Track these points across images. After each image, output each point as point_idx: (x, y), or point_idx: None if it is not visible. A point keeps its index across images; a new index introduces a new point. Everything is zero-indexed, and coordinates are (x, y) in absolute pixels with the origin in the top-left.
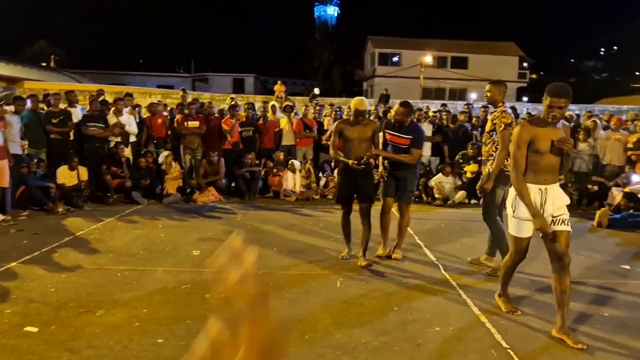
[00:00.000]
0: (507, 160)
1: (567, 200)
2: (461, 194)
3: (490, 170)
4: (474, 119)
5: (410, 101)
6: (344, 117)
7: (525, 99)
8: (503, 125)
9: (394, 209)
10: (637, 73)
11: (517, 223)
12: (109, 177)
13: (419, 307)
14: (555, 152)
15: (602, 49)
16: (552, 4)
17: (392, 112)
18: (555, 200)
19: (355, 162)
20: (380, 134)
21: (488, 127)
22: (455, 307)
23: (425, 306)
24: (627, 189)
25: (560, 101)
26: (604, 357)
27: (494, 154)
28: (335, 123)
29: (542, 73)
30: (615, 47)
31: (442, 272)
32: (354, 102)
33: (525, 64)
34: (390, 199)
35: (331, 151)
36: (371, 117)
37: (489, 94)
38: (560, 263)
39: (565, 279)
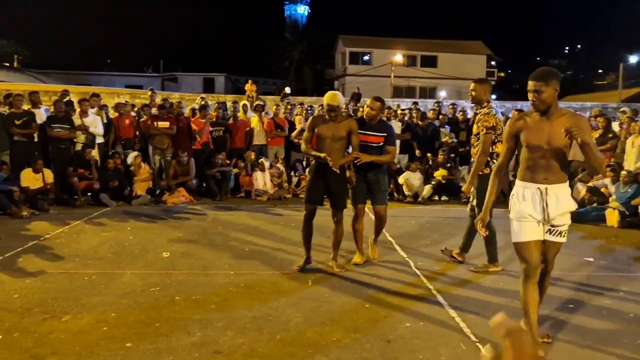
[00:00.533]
0: (494, 162)
1: (572, 206)
2: (428, 188)
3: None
4: (441, 116)
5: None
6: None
7: (493, 96)
8: (485, 129)
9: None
10: (600, 71)
11: (515, 225)
12: (75, 179)
13: (389, 303)
14: (553, 149)
15: (567, 48)
16: (518, 3)
17: (366, 108)
18: (559, 203)
19: (330, 159)
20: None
21: (474, 129)
22: (425, 302)
23: (396, 302)
24: (590, 184)
25: (532, 84)
26: (569, 348)
27: None
28: (310, 118)
29: (509, 71)
30: (579, 46)
31: (412, 269)
32: (326, 97)
33: (492, 63)
34: (361, 205)
35: (303, 146)
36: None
37: (473, 93)
38: (542, 269)
39: (544, 281)
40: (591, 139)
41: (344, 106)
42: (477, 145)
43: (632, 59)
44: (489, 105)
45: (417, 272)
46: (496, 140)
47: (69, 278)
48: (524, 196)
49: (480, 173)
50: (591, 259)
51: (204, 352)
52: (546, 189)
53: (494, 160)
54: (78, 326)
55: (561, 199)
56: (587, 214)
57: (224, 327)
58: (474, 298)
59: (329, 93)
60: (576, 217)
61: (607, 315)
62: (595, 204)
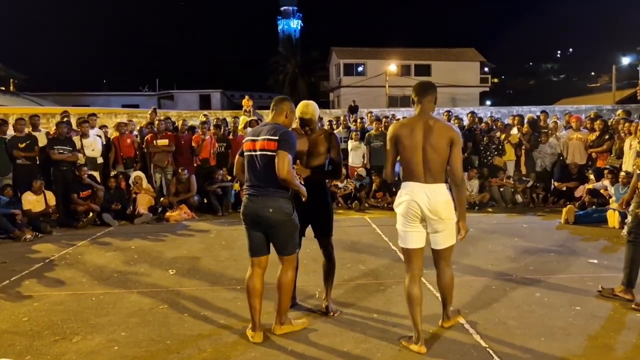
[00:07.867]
0: None
1: None
2: None
3: None
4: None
5: (376, 110)
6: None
7: (488, 102)
8: None
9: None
10: (592, 73)
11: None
12: (81, 207)
13: (397, 312)
14: None
15: (559, 52)
16: (509, 10)
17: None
18: None
19: (297, 167)
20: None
21: None
22: (434, 309)
23: (404, 311)
24: (590, 186)
25: None
26: (574, 350)
27: None
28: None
29: (503, 77)
30: (571, 50)
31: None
32: (298, 108)
33: (486, 69)
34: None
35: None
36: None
37: None
38: None
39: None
40: None
41: (342, 118)
42: None
43: (625, 61)
44: None
45: (423, 279)
46: None
47: (77, 299)
48: None
49: None
50: (595, 261)
51: None
52: None
53: None
54: (89, 347)
55: None
56: (588, 216)
57: (235, 342)
58: (482, 303)
59: (302, 103)
60: (578, 220)
61: (616, 316)
62: (594, 206)
